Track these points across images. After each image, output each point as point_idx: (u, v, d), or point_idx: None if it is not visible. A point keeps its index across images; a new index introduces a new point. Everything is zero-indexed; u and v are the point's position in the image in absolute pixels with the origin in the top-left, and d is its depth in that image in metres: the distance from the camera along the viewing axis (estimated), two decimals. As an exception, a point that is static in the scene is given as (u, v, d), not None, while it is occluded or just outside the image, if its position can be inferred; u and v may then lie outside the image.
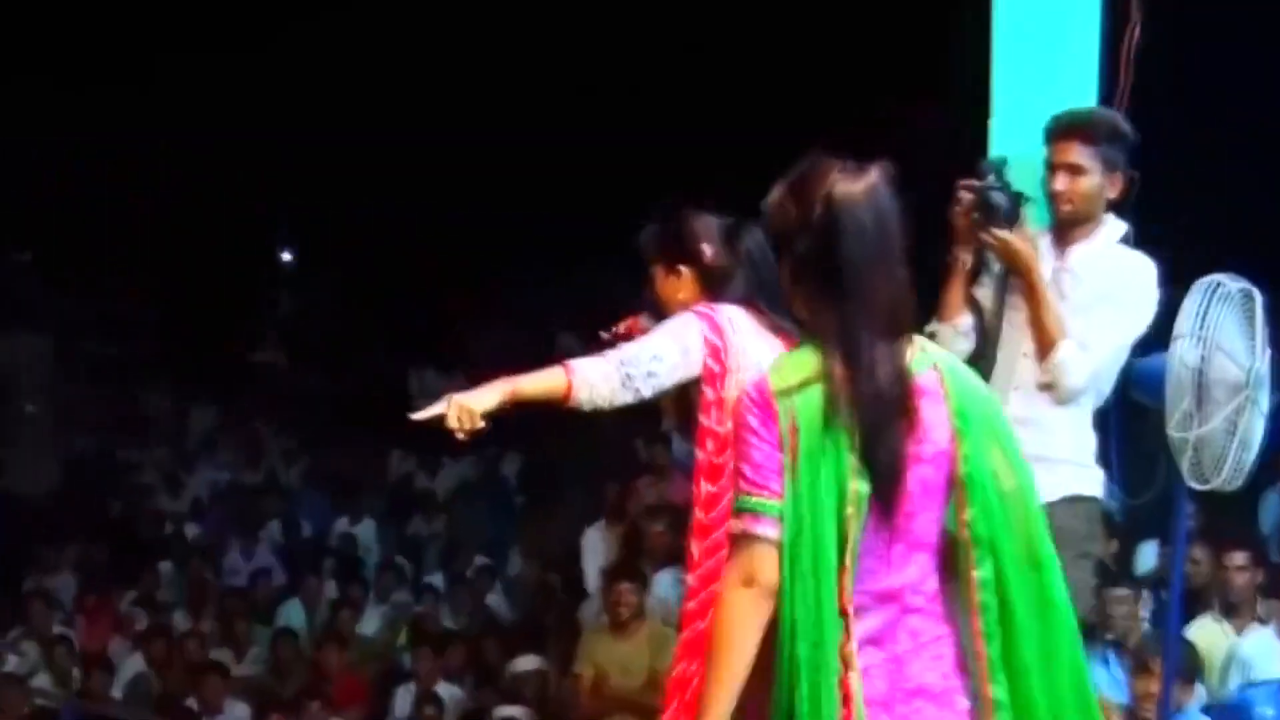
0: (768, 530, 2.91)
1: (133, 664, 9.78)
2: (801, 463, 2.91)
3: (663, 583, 7.65)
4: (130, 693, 9.49)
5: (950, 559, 3.04)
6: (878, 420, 2.91)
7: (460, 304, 14.54)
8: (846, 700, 2.91)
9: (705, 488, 3.62)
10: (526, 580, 10.80)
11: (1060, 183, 4.48)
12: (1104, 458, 4.61)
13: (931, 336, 4.77)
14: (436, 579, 11.26)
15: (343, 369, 14.96)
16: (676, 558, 6.03)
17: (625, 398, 3.63)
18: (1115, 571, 6.92)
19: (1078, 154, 4.47)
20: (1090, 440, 4.58)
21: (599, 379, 3.60)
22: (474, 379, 3.55)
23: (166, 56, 13.72)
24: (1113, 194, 4.52)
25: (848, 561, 2.91)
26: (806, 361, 2.97)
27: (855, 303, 2.92)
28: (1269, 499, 8.51)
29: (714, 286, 3.87)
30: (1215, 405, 4.62)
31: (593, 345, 3.83)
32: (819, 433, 2.90)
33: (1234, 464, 4.65)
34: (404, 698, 8.76)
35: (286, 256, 17.92)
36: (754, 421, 2.94)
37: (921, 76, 9.04)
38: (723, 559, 3.23)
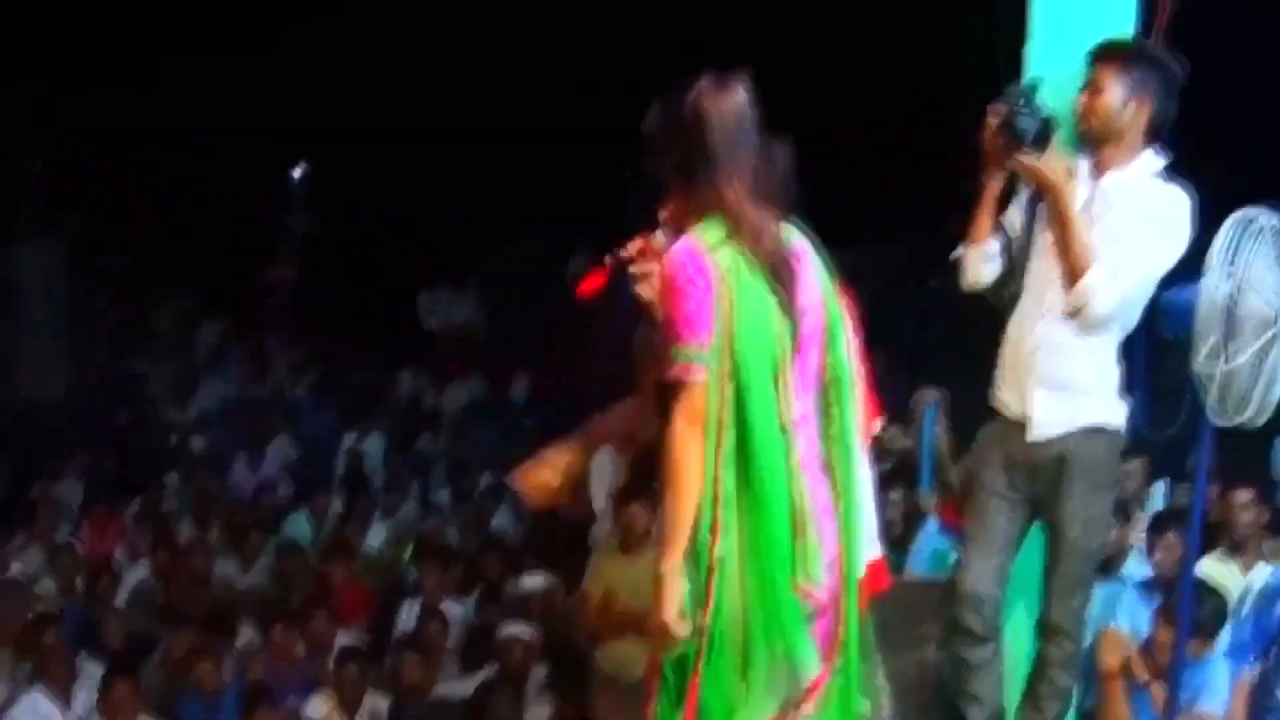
0: (699, 376, 3.37)
1: (136, 573, 9.78)
2: (739, 301, 3.37)
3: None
4: (133, 601, 9.48)
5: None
6: (776, 272, 3.43)
7: (473, 221, 14.41)
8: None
9: None
10: (533, 501, 10.72)
11: (1082, 100, 4.52)
12: (1127, 389, 4.58)
13: (959, 259, 4.73)
14: (443, 496, 11.24)
15: (354, 285, 14.88)
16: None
17: None
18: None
19: (1102, 75, 4.49)
20: (1115, 371, 4.54)
21: None
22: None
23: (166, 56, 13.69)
24: (1142, 118, 4.47)
25: (783, 385, 3.43)
26: (713, 231, 3.43)
27: (727, 175, 3.42)
28: (1284, 442, 8.49)
29: None
30: (1243, 341, 4.58)
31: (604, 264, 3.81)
32: (745, 278, 3.39)
33: (1260, 401, 4.61)
34: (409, 612, 8.74)
35: (298, 172, 17.83)
36: (687, 273, 3.36)
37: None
38: None
